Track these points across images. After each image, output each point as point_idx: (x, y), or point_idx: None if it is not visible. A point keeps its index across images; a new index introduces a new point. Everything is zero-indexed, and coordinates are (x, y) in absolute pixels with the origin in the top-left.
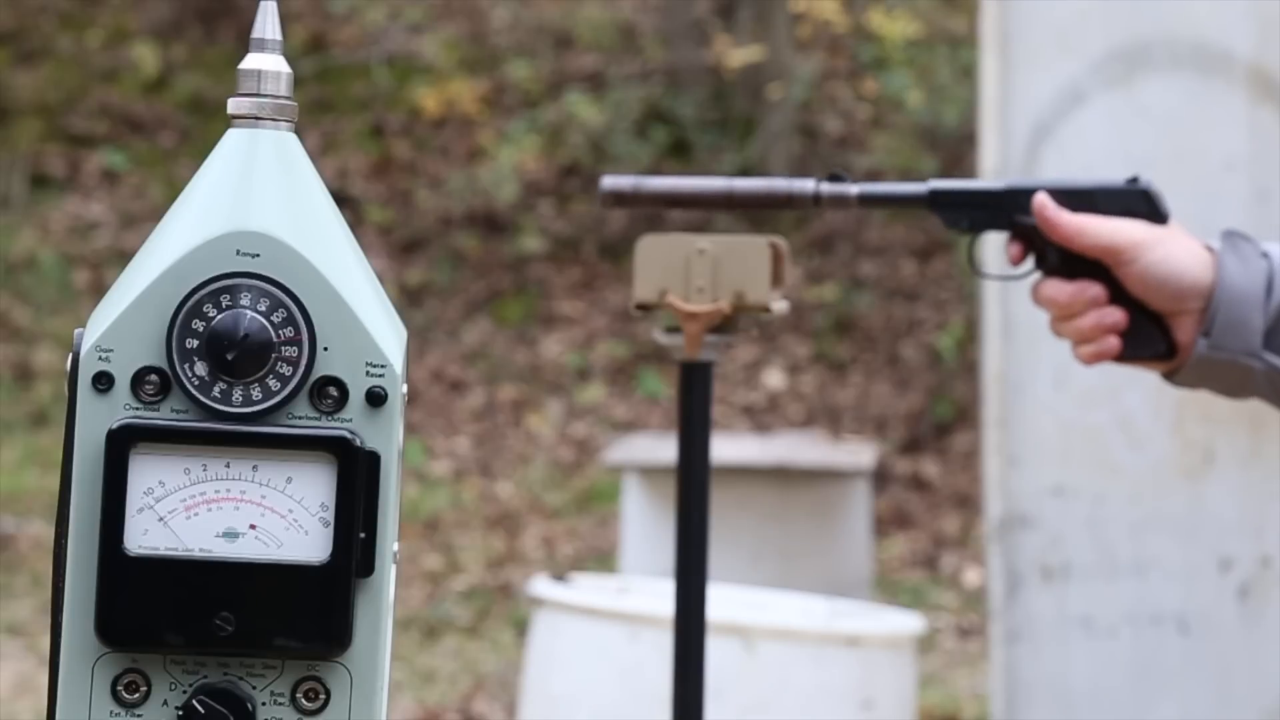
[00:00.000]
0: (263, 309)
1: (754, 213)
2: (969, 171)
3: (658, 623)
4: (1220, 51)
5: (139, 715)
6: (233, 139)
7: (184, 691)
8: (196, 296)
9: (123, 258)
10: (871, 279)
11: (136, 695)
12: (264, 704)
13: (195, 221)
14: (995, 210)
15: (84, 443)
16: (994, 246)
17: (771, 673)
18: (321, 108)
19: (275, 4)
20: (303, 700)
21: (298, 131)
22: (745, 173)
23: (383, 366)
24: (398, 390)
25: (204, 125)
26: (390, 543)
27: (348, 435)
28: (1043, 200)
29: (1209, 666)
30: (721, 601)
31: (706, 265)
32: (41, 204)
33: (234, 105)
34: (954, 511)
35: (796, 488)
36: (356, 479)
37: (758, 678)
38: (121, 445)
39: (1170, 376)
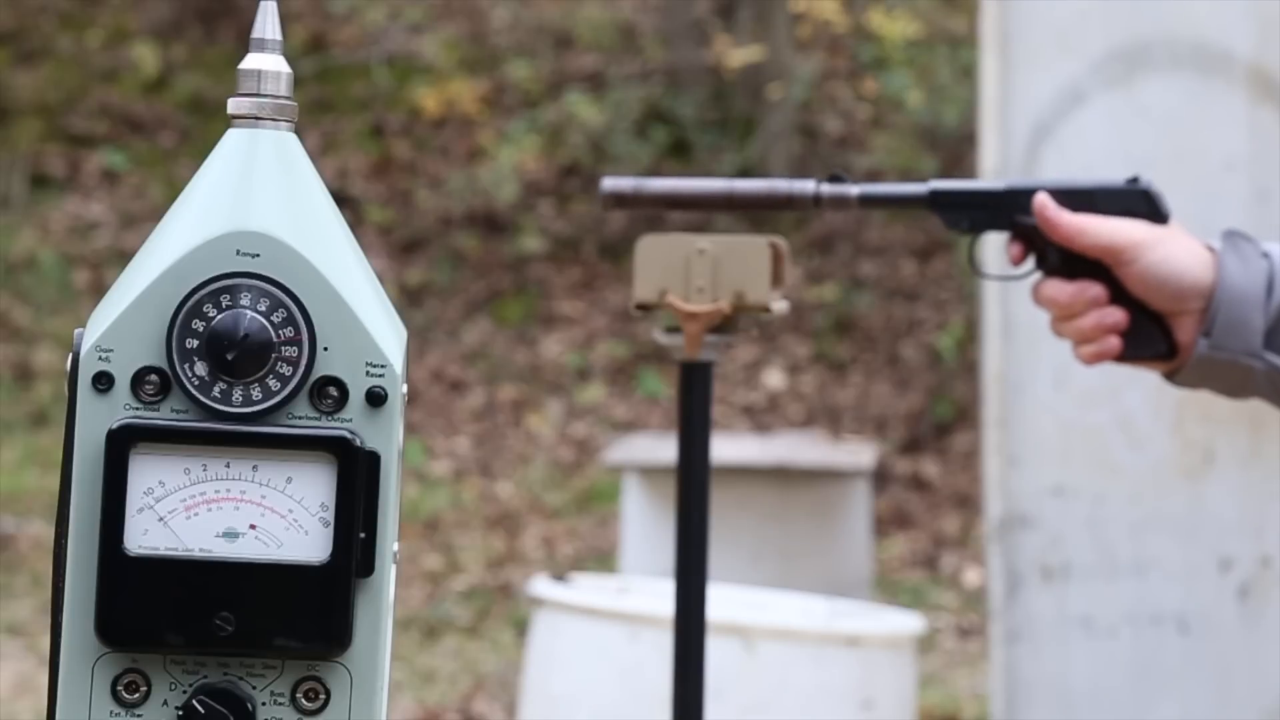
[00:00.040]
0: (263, 309)
1: (754, 213)
2: (969, 171)
3: (658, 623)
4: (1220, 51)
5: (139, 715)
6: (233, 139)
7: (184, 691)
8: (196, 296)
9: (123, 258)
10: (871, 279)
11: (136, 695)
12: (264, 704)
13: (195, 221)
14: (996, 210)
15: (84, 443)
16: (994, 247)
17: (771, 673)
18: (321, 108)
19: (275, 4)
20: (303, 700)
21: (298, 131)
22: (745, 173)
23: (383, 366)
24: (398, 390)
25: (204, 125)
26: (390, 543)
27: (348, 435)
28: (1043, 200)
29: (1209, 666)
30: (721, 601)
31: (706, 265)
32: (41, 204)
33: (234, 105)
34: (954, 511)
35: (796, 488)
36: (356, 479)
37: (758, 678)
38: (121, 445)
39: (1171, 376)
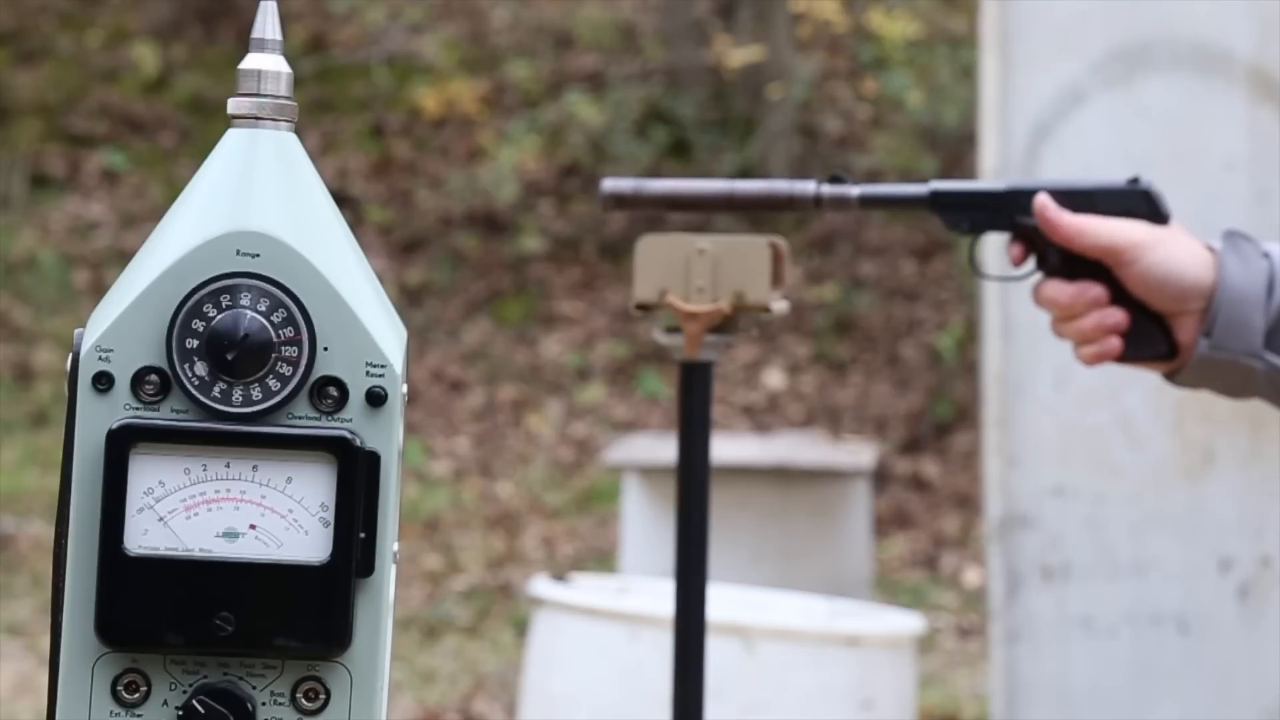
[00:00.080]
0: (263, 309)
1: (754, 213)
2: (969, 171)
3: (658, 623)
4: (1220, 51)
5: (139, 715)
6: (233, 139)
7: (184, 691)
8: (196, 296)
9: (123, 258)
10: (871, 279)
11: (136, 695)
12: (264, 704)
13: (195, 221)
14: (996, 211)
15: (84, 443)
16: (994, 247)
17: (771, 673)
18: (321, 108)
19: (275, 4)
20: (303, 700)
21: (298, 131)
22: (745, 172)
23: (383, 366)
24: (398, 390)
25: (204, 125)
26: (390, 543)
27: (348, 435)
28: (1044, 201)
29: (1209, 666)
30: (721, 601)
31: (706, 265)
32: (41, 204)
33: (234, 105)
34: (954, 511)
35: (796, 488)
36: (356, 479)
37: (758, 678)
38: (121, 445)
39: (1171, 377)
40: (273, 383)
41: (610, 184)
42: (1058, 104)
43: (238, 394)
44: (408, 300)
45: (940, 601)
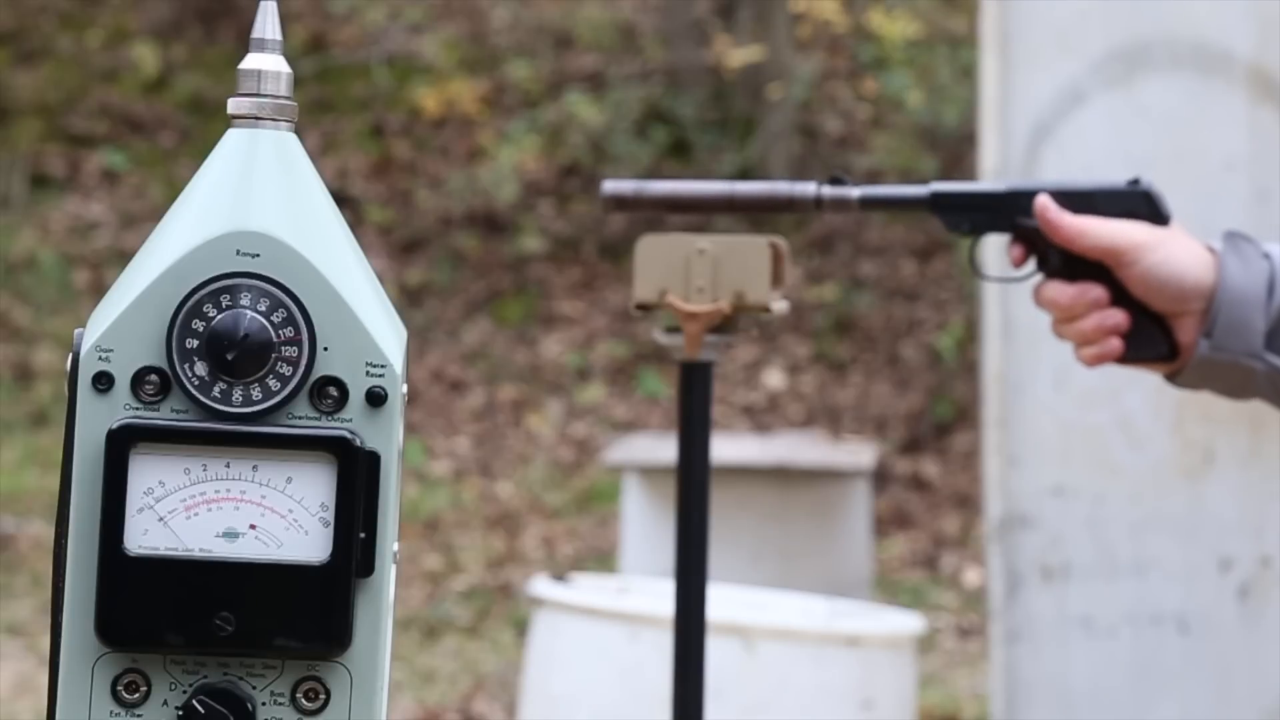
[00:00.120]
0: (263, 309)
1: (754, 214)
2: (969, 172)
3: (658, 623)
4: (1220, 51)
5: (139, 715)
6: (233, 139)
7: (184, 691)
8: (196, 296)
9: (123, 258)
10: (871, 279)
11: (136, 695)
12: (264, 704)
13: (195, 221)
14: (997, 212)
15: (84, 443)
16: (995, 248)
17: (771, 673)
18: (321, 108)
19: (275, 4)
20: (303, 700)
21: (298, 131)
22: (745, 172)
23: (383, 366)
24: (398, 390)
25: (204, 125)
26: (390, 543)
27: (348, 435)
28: (1044, 202)
29: (1209, 666)
30: (721, 601)
31: (706, 265)
32: (41, 204)
33: (234, 105)
34: (954, 511)
35: (796, 488)
36: (356, 479)
37: (758, 678)
38: (121, 445)
39: (1172, 378)
40: (273, 383)
41: (611, 186)
42: (1058, 104)
43: (238, 394)
44: (408, 300)
45: (940, 601)
